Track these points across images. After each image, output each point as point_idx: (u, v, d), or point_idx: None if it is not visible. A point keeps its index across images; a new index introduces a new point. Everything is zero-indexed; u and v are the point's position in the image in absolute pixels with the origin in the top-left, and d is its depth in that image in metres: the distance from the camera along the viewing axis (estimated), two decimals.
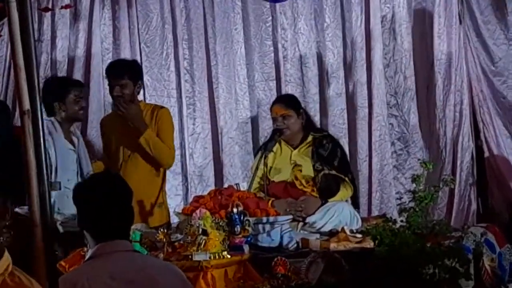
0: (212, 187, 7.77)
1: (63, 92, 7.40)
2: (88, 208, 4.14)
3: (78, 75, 8.70)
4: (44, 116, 7.59)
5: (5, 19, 4.07)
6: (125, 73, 7.49)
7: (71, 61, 8.86)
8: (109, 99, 8.11)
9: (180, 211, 6.84)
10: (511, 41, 8.36)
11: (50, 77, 8.42)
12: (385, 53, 8.61)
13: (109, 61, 8.69)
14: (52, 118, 7.33)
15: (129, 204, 4.34)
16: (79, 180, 7.12)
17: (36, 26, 8.39)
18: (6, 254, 3.30)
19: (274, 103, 7.66)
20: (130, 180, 6.76)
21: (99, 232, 4.14)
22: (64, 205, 6.41)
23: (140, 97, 7.89)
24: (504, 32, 8.37)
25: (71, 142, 7.36)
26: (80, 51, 8.88)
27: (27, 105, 3.87)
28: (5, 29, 4.67)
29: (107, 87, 7.68)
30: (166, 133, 7.56)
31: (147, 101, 8.05)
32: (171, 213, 7.57)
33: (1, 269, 3.18)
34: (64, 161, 7.25)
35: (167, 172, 7.76)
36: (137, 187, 7.10)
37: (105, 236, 4.12)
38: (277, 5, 8.57)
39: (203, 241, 5.94)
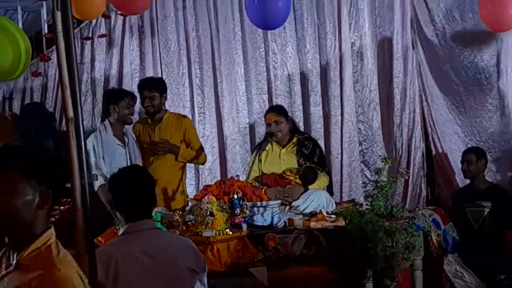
0: (218, 178, 7.82)
1: (118, 98, 7.48)
2: (121, 193, 4.20)
3: None
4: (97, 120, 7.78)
5: (54, 46, 4.17)
6: (154, 87, 7.61)
7: (106, 80, 8.87)
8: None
9: (193, 197, 6.93)
10: (455, 64, 8.29)
11: (111, 89, 8.45)
12: (354, 72, 8.59)
13: (136, 79, 8.72)
14: (106, 122, 7.43)
15: (153, 191, 4.39)
16: None
17: (78, 51, 8.42)
18: (51, 231, 3.20)
19: (268, 111, 7.69)
20: (158, 173, 7.03)
21: (129, 213, 4.20)
22: None
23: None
24: (446, 54, 8.39)
25: (121, 140, 7.42)
26: (114, 71, 8.89)
27: (71, 113, 3.97)
28: (54, 54, 4.79)
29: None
30: (194, 138, 7.73)
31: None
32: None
33: (40, 242, 3.09)
34: (112, 155, 7.31)
35: None
36: (164, 179, 7.30)
37: (134, 216, 4.19)
38: (269, 34, 8.55)
39: (210, 221, 6.02)
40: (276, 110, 7.64)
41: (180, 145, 7.53)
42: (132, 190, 4.22)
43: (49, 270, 2.98)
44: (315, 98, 8.69)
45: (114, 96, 7.61)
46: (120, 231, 4.21)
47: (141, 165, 7.64)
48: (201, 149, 7.72)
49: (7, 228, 3.01)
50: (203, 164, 8.03)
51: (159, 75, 8.70)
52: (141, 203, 4.26)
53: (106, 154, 7.31)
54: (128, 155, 7.43)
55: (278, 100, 8.61)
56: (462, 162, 7.80)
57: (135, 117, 8.29)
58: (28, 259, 3.00)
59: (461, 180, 8.19)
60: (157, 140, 7.55)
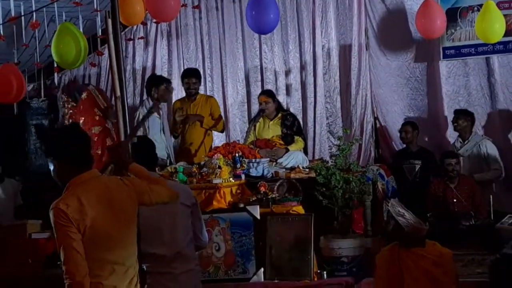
0: (224, 142, 7.79)
1: (159, 83, 7.58)
2: (137, 155, 4.03)
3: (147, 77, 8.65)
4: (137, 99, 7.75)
5: (106, 45, 4.19)
6: (196, 75, 7.71)
7: (143, 70, 8.93)
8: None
9: (206, 155, 6.96)
10: (395, 61, 8.34)
11: (152, 74, 8.51)
12: (323, 66, 8.49)
13: (165, 70, 8.87)
14: (148, 98, 7.58)
15: (155, 153, 4.39)
16: (162, 135, 7.45)
17: (123, 48, 8.39)
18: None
19: (260, 94, 7.70)
20: (189, 137, 7.35)
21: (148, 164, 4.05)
22: None
23: None
24: (391, 56, 8.39)
25: (158, 113, 7.49)
26: (149, 64, 8.94)
27: (118, 93, 4.02)
28: (106, 50, 4.85)
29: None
30: (216, 112, 7.75)
31: None
32: None
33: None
34: (152, 124, 7.37)
35: None
36: (191, 140, 7.33)
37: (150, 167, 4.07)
38: (262, 37, 8.47)
39: (219, 172, 6.09)
40: (265, 93, 7.64)
41: (204, 116, 7.57)
42: (144, 156, 4.14)
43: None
44: (296, 85, 8.64)
45: (156, 81, 7.69)
46: None
47: (169, 133, 7.75)
48: (220, 120, 7.74)
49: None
50: (221, 131, 8.02)
51: (182, 68, 8.74)
52: (149, 162, 4.14)
53: (150, 123, 7.40)
54: (162, 125, 7.52)
55: (268, 86, 8.53)
56: (400, 131, 7.78)
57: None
58: None
59: (398, 145, 8.18)
60: (191, 113, 7.60)
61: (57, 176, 3.25)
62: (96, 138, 6.22)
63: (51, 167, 3.25)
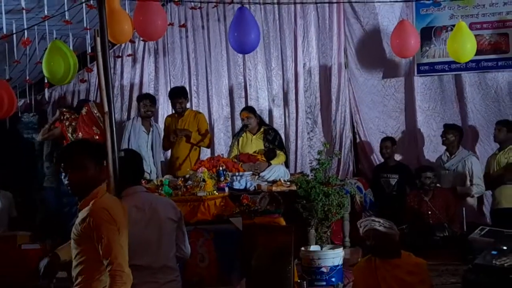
0: (209, 156, 7.77)
1: (139, 100, 7.66)
2: (122, 168, 3.96)
3: (135, 94, 8.76)
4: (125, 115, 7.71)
5: (95, 62, 4.17)
6: (183, 94, 7.70)
7: (131, 86, 8.93)
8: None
9: (191, 169, 6.92)
10: (372, 79, 8.40)
11: (142, 93, 8.48)
12: (305, 84, 8.53)
13: (152, 87, 8.89)
14: (137, 115, 7.65)
15: (142, 166, 4.32)
16: (149, 151, 7.48)
17: (112, 65, 8.39)
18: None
19: (242, 110, 7.69)
20: (176, 151, 7.39)
21: (127, 181, 4.06)
22: None
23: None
24: (368, 74, 8.44)
25: (147, 129, 7.50)
26: (137, 80, 8.94)
27: (106, 108, 3.99)
28: (95, 67, 4.83)
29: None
30: (203, 128, 7.72)
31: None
32: None
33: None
34: (137, 139, 7.35)
35: None
36: (177, 155, 7.31)
37: (130, 183, 4.08)
38: (246, 56, 8.46)
39: (203, 185, 6.05)
40: (247, 109, 7.66)
41: (192, 132, 7.58)
42: (129, 165, 4.09)
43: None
44: (278, 101, 8.66)
45: (139, 98, 7.72)
46: (122, 194, 3.97)
47: (161, 148, 7.74)
48: (206, 135, 7.73)
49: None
50: (207, 147, 7.99)
51: (169, 85, 8.73)
52: (134, 174, 4.17)
53: (133, 139, 7.38)
54: (150, 140, 7.50)
55: (252, 103, 8.56)
56: (381, 147, 7.84)
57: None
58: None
59: (376, 159, 8.23)
60: (179, 128, 7.60)
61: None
62: None
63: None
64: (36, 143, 8.26)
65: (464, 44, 7.04)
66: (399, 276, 4.20)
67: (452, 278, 5.48)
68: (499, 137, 7.23)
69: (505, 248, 4.91)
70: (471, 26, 7.30)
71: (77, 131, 6.75)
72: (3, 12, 6.00)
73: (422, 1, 7.89)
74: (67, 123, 7.22)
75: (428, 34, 7.99)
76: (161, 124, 8.42)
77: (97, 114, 6.98)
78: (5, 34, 6.28)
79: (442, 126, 7.71)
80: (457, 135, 7.50)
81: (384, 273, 4.22)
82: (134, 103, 8.45)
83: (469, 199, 7.39)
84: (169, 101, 8.05)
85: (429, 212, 6.91)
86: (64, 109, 7.49)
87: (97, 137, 6.96)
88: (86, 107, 6.98)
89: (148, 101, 7.68)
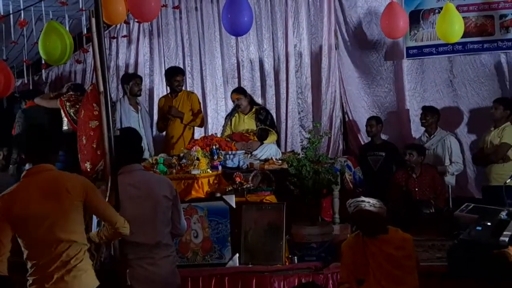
0: (202, 135, 7.72)
1: (129, 80, 7.46)
2: (120, 146, 4.06)
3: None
4: (120, 94, 7.68)
5: (91, 43, 4.14)
6: (182, 72, 7.68)
7: (126, 66, 8.86)
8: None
9: (185, 147, 6.93)
10: (362, 60, 8.36)
11: (124, 73, 8.38)
12: (295, 64, 8.49)
13: (147, 67, 8.84)
14: (124, 95, 7.46)
15: (140, 144, 4.32)
16: (141, 130, 7.25)
17: (107, 46, 8.34)
18: None
19: (232, 92, 7.57)
20: (170, 130, 7.23)
21: (124, 159, 4.13)
22: None
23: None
24: (358, 55, 8.40)
25: (135, 108, 7.38)
26: (132, 61, 8.87)
27: (101, 88, 4.00)
28: (90, 48, 4.76)
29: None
30: (196, 108, 7.64)
31: None
32: None
33: None
34: (128, 119, 7.28)
35: None
36: (172, 134, 7.27)
37: (127, 161, 4.14)
38: (239, 37, 8.42)
39: (197, 163, 6.03)
40: (236, 91, 7.57)
41: (184, 112, 7.52)
42: (126, 143, 4.14)
43: None
44: (270, 82, 8.61)
45: (126, 79, 7.61)
46: (119, 171, 4.04)
47: (150, 126, 7.67)
48: (199, 115, 7.66)
49: None
50: (200, 126, 7.93)
51: (163, 65, 8.67)
52: (132, 152, 4.21)
53: (124, 118, 7.31)
54: (140, 119, 7.43)
55: (244, 83, 8.52)
56: (366, 125, 7.83)
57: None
58: None
59: (364, 138, 8.23)
60: (174, 108, 7.55)
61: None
62: (93, 132, 6.06)
63: None
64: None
65: (452, 25, 6.99)
66: (386, 251, 4.20)
67: (438, 253, 5.47)
68: (495, 115, 7.17)
69: (489, 224, 4.94)
70: (457, 9, 7.23)
71: (80, 109, 6.68)
72: None
73: None
74: (65, 99, 7.12)
75: (416, 17, 7.95)
76: (155, 105, 8.41)
77: None
78: (2, 15, 6.20)
79: (421, 108, 7.73)
80: (436, 117, 7.56)
81: (372, 249, 4.22)
82: None
83: (448, 177, 7.40)
84: (164, 81, 7.99)
85: (416, 189, 6.93)
86: (71, 84, 7.43)
87: (96, 113, 6.92)
88: (92, 86, 6.94)
89: (139, 79, 7.63)
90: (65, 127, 6.97)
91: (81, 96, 7.50)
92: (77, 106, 7.20)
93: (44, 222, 3.45)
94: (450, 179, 7.43)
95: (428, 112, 7.57)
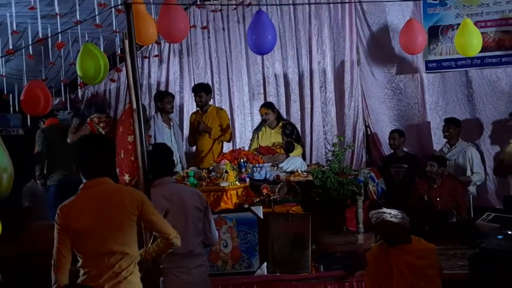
0: (230, 148, 7.75)
1: (162, 97, 7.54)
2: (154, 160, 4.14)
3: None
4: (153, 111, 7.76)
5: (124, 62, 4.19)
6: (203, 90, 7.68)
7: (158, 84, 8.91)
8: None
9: (214, 161, 6.95)
10: (383, 74, 8.33)
11: (157, 91, 8.47)
12: (319, 80, 8.48)
13: (177, 85, 8.90)
14: (157, 112, 7.56)
15: (171, 158, 4.39)
16: (174, 144, 7.35)
17: (139, 65, 8.45)
18: None
19: (261, 107, 7.61)
20: (199, 145, 7.40)
21: (157, 173, 4.20)
22: None
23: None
24: (379, 70, 8.37)
25: (168, 124, 7.46)
26: (163, 79, 8.93)
27: (134, 106, 4.05)
28: (124, 67, 4.81)
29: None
30: (226, 122, 7.72)
31: None
32: None
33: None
34: (161, 134, 7.35)
35: None
36: (201, 148, 7.32)
37: (160, 175, 4.22)
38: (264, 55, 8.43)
39: (226, 176, 6.03)
40: (265, 105, 7.60)
41: (213, 128, 7.58)
42: (159, 158, 4.20)
43: None
44: (294, 97, 8.61)
45: (159, 96, 7.69)
46: (153, 184, 4.11)
47: (183, 141, 7.74)
48: (227, 130, 7.71)
49: None
50: (229, 141, 7.96)
51: (192, 83, 8.73)
52: (165, 166, 4.27)
53: (158, 134, 7.39)
54: (172, 134, 7.50)
55: (270, 99, 8.52)
56: (389, 138, 7.81)
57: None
58: None
59: (386, 150, 8.18)
60: (203, 123, 7.61)
61: None
62: (130, 146, 6.15)
63: None
64: None
65: (471, 40, 6.95)
66: (409, 261, 4.18)
67: (460, 262, 5.43)
68: None
69: (510, 232, 4.88)
70: (476, 24, 7.19)
71: (118, 125, 6.76)
72: (39, 18, 6.04)
73: (429, 1, 7.82)
74: (95, 122, 7.23)
75: (435, 33, 7.93)
76: (186, 120, 8.47)
77: None
78: (41, 37, 6.31)
79: (443, 120, 7.69)
80: (458, 129, 7.54)
81: (396, 258, 4.20)
82: None
83: (470, 187, 7.36)
84: (193, 97, 8.05)
85: (438, 199, 6.87)
86: (95, 115, 7.52)
87: (132, 127, 7.01)
88: (129, 103, 7.05)
89: (171, 97, 7.72)
90: None
91: (107, 116, 7.62)
92: (104, 123, 7.31)
93: (98, 233, 3.45)
94: (471, 189, 7.39)
95: (451, 124, 7.54)
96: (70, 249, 3.47)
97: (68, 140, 7.18)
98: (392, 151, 7.86)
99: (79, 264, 3.52)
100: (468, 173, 7.39)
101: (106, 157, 3.67)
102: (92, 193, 3.51)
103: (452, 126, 7.52)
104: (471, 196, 7.30)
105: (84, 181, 3.56)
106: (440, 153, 7.59)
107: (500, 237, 4.84)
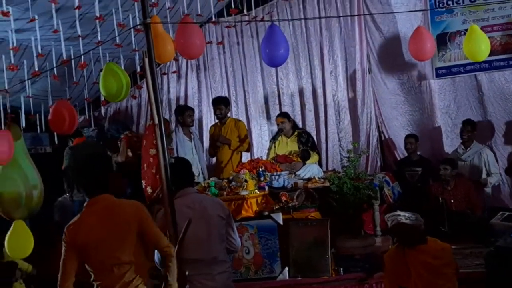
0: (249, 158, 7.76)
1: (183, 112, 7.61)
2: (174, 173, 4.12)
3: None
4: (174, 125, 7.80)
5: (144, 79, 4.25)
6: (222, 102, 7.74)
7: (177, 99, 9.00)
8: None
9: (234, 171, 7.00)
10: (394, 81, 8.35)
11: (178, 105, 8.52)
12: (332, 89, 8.51)
13: (195, 99, 8.97)
14: (178, 126, 7.60)
15: (191, 171, 4.44)
16: (195, 156, 7.45)
17: (159, 81, 8.52)
18: None
19: (277, 116, 7.67)
20: (220, 156, 7.43)
21: (179, 185, 4.24)
22: None
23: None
24: (390, 78, 8.40)
25: (189, 137, 7.53)
26: (182, 94, 9.01)
27: (156, 121, 4.09)
28: (144, 84, 4.86)
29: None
30: (244, 133, 7.76)
31: None
32: None
33: None
34: (183, 147, 7.41)
35: None
36: (221, 159, 7.34)
37: (183, 186, 4.26)
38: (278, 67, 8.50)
39: (245, 185, 6.07)
40: (281, 115, 7.65)
41: (232, 139, 7.64)
42: (180, 171, 4.24)
43: None
44: (309, 106, 8.65)
45: (180, 110, 7.76)
46: (176, 195, 4.16)
47: (203, 153, 7.79)
48: (245, 140, 7.75)
49: None
50: (247, 151, 8.00)
51: (210, 96, 8.81)
52: (185, 178, 4.31)
53: (180, 147, 7.45)
54: (193, 147, 7.56)
55: (285, 109, 8.57)
56: (405, 143, 7.83)
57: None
58: None
59: (400, 154, 8.18)
60: (222, 136, 7.69)
61: None
62: (152, 159, 6.28)
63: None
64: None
65: (479, 45, 6.89)
66: (426, 261, 4.20)
67: (476, 260, 5.43)
68: None
69: None
70: (482, 29, 7.16)
71: (143, 140, 6.84)
72: (62, 40, 6.12)
73: (436, 9, 7.83)
74: (129, 137, 7.36)
75: (443, 40, 7.94)
76: (205, 133, 8.53)
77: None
78: (65, 59, 6.41)
79: (461, 122, 7.66)
80: (475, 130, 7.53)
81: (412, 259, 4.22)
82: None
83: (485, 189, 7.36)
84: (212, 110, 8.12)
85: (452, 200, 6.86)
86: (126, 132, 7.62)
87: (155, 141, 7.07)
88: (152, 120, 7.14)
89: (191, 111, 7.78)
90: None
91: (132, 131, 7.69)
92: (136, 137, 7.40)
93: (105, 246, 3.52)
94: (487, 190, 7.39)
95: (469, 125, 7.53)
96: (77, 266, 3.54)
97: (120, 160, 7.22)
98: (407, 155, 7.86)
99: (92, 278, 3.59)
100: (484, 174, 7.37)
101: (106, 175, 3.71)
102: (96, 210, 3.59)
103: (470, 128, 7.51)
104: (485, 196, 7.27)
105: (87, 199, 3.64)
106: (455, 154, 7.57)
107: None
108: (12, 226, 5.11)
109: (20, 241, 5.11)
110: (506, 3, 7.53)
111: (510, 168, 7.30)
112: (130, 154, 6.97)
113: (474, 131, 7.52)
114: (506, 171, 7.44)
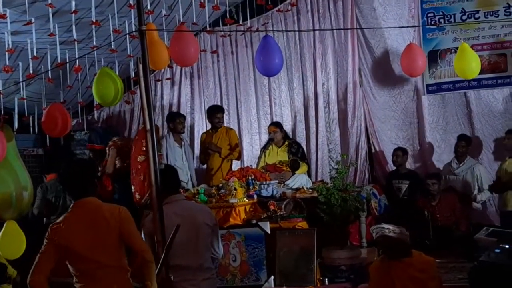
0: (239, 167, 7.71)
1: (174, 118, 7.59)
2: (163, 179, 4.10)
3: None
4: (165, 131, 7.77)
5: (138, 85, 4.24)
6: (220, 110, 7.82)
7: (170, 106, 8.99)
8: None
9: (223, 178, 6.95)
10: (385, 96, 8.35)
11: (169, 112, 8.51)
12: (324, 100, 8.50)
13: (188, 106, 8.95)
14: (169, 132, 7.57)
15: (178, 179, 4.45)
16: (185, 162, 7.42)
17: (152, 88, 8.53)
18: None
19: (270, 125, 7.72)
20: (212, 163, 7.44)
21: (167, 191, 4.20)
22: None
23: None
24: (381, 92, 8.39)
25: (179, 143, 7.50)
26: (175, 100, 9.00)
27: (148, 127, 4.07)
28: (138, 90, 4.85)
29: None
30: (234, 141, 7.78)
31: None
32: None
33: None
34: (173, 153, 7.38)
35: None
36: (211, 166, 7.32)
37: (169, 193, 4.22)
38: (271, 77, 8.47)
39: (234, 193, 6.07)
40: (274, 124, 7.69)
41: (222, 147, 7.64)
42: (167, 178, 4.20)
43: None
44: (300, 117, 8.64)
45: (171, 117, 7.74)
46: (164, 202, 4.12)
47: (193, 160, 7.77)
48: (236, 148, 7.75)
49: None
50: (237, 159, 7.99)
51: (203, 104, 8.81)
52: (172, 185, 4.29)
53: (170, 153, 7.42)
54: (183, 153, 7.54)
55: (276, 119, 8.56)
56: (393, 155, 7.83)
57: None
58: None
59: (389, 167, 8.18)
60: (213, 144, 7.69)
61: None
62: (140, 166, 6.25)
63: None
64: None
65: (469, 63, 6.95)
66: (411, 274, 4.18)
67: (459, 274, 5.44)
68: (507, 145, 7.14)
69: (507, 246, 4.86)
70: (472, 48, 7.23)
71: (132, 145, 6.77)
72: (58, 44, 6.13)
73: (427, 26, 7.86)
74: (117, 140, 7.30)
75: (434, 57, 7.96)
76: (196, 140, 8.51)
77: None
78: (60, 62, 6.40)
79: (456, 137, 7.67)
80: (469, 145, 7.53)
81: (397, 272, 4.20)
82: None
83: (474, 203, 7.35)
84: (204, 118, 8.10)
85: (438, 215, 6.88)
86: (115, 138, 7.53)
87: (144, 148, 7.03)
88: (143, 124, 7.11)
89: (182, 118, 7.77)
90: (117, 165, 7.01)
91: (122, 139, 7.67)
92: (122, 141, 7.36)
93: (87, 249, 3.51)
94: (477, 205, 7.39)
95: (463, 140, 7.53)
96: (53, 262, 3.50)
97: (109, 171, 7.11)
98: (395, 168, 7.86)
99: (74, 280, 3.57)
100: (475, 189, 7.36)
101: (91, 179, 3.74)
102: (80, 212, 3.59)
103: (465, 142, 7.50)
104: (473, 212, 7.28)
105: (72, 202, 3.67)
106: (449, 167, 7.57)
107: (497, 251, 4.81)
108: (4, 226, 5.08)
109: (12, 242, 5.09)
110: (496, 21, 7.58)
111: (494, 184, 7.28)
112: (118, 164, 6.86)
113: (469, 146, 7.52)
114: (491, 187, 7.39)
